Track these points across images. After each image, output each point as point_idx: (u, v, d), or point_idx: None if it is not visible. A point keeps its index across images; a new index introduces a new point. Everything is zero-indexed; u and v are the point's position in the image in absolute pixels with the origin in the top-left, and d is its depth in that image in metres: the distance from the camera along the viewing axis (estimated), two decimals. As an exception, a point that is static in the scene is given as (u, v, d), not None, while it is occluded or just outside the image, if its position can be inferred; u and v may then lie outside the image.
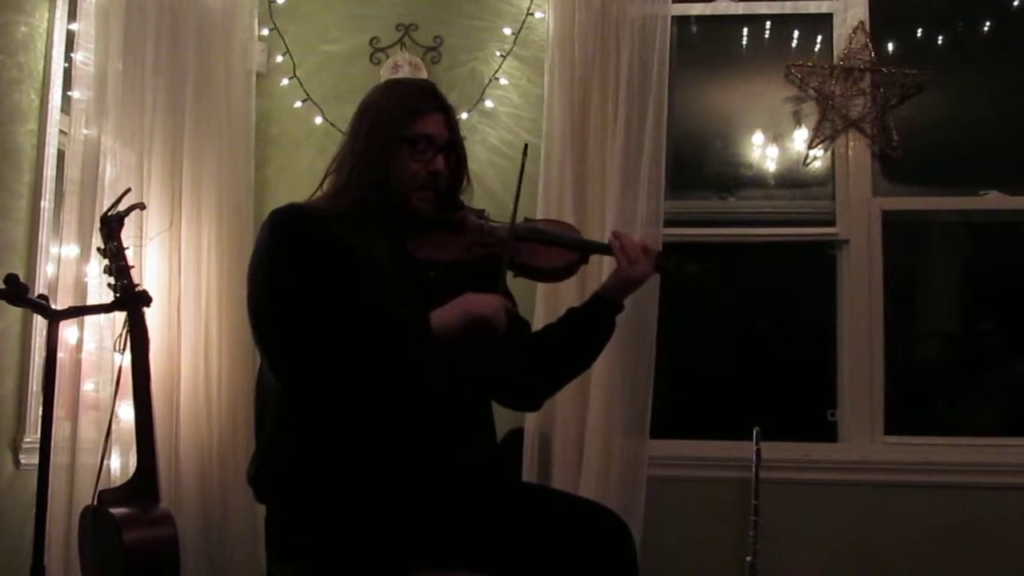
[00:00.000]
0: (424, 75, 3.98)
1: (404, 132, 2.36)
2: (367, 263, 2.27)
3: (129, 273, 3.17)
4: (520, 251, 2.43)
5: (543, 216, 3.55)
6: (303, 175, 3.98)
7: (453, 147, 2.43)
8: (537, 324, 3.17)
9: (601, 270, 3.40)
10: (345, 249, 2.27)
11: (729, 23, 4.24)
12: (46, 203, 3.60)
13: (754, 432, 3.68)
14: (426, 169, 2.37)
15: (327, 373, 2.19)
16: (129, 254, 3.23)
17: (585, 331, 2.59)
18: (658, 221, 3.70)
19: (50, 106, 3.61)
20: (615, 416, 3.60)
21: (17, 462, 3.47)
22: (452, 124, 2.43)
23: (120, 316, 3.24)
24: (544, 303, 3.59)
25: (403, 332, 2.21)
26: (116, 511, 2.98)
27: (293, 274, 2.24)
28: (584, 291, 3.48)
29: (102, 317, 3.47)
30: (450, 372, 2.29)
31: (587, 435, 3.61)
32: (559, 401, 3.55)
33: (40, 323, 3.48)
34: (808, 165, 4.08)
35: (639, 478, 3.62)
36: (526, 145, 2.52)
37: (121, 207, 3.25)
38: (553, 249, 2.50)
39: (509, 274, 2.41)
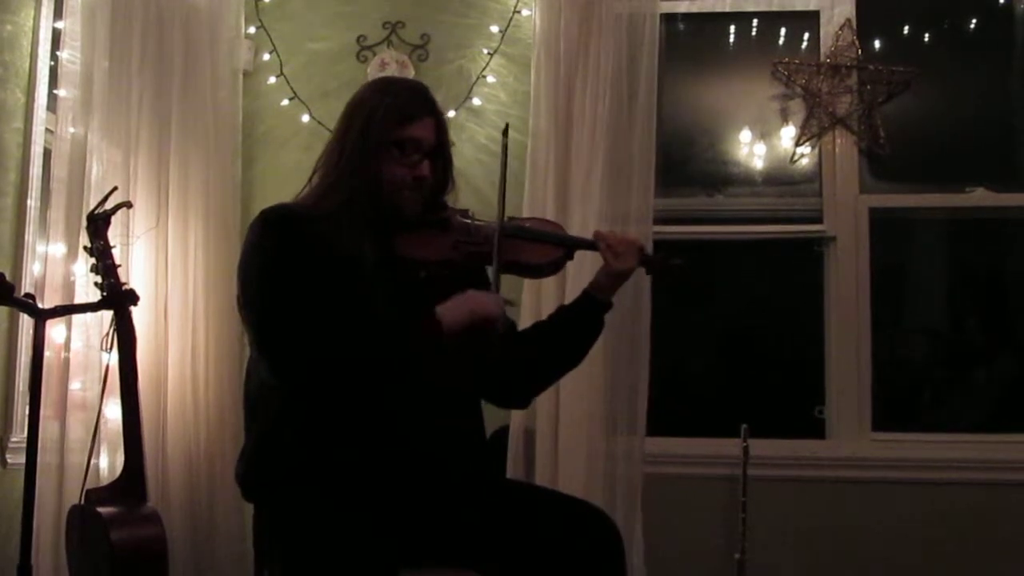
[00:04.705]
0: (411, 73, 3.97)
1: (394, 135, 2.36)
2: (358, 264, 2.27)
3: (116, 272, 3.17)
4: (507, 248, 2.44)
5: (528, 214, 3.56)
6: (290, 173, 3.96)
7: (440, 152, 2.44)
8: (520, 320, 3.18)
9: (586, 266, 3.38)
10: (335, 250, 2.27)
11: (716, 21, 4.25)
12: (32, 202, 3.58)
13: (742, 429, 3.69)
14: (411, 174, 2.37)
15: (337, 375, 2.18)
16: (116, 253, 3.23)
17: (575, 329, 2.60)
18: (648, 218, 3.71)
19: (36, 104, 3.60)
20: (601, 413, 3.61)
21: (4, 461, 3.45)
22: (441, 128, 2.44)
23: (107, 315, 3.23)
24: (527, 300, 3.58)
25: (411, 328, 2.22)
26: (103, 510, 2.98)
27: (292, 277, 2.22)
28: (565, 288, 3.49)
29: (89, 316, 3.46)
30: (450, 366, 2.30)
31: (576, 432, 3.61)
32: (544, 397, 3.54)
33: (27, 322, 3.46)
34: (795, 162, 4.09)
35: (633, 476, 3.63)
36: (506, 125, 2.58)
37: (107, 206, 3.25)
38: (539, 246, 2.52)
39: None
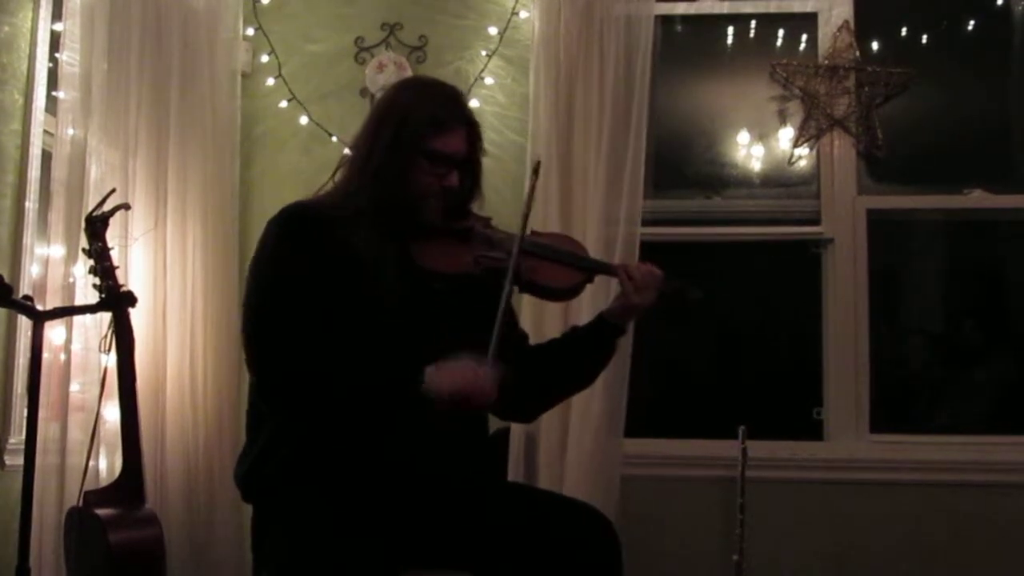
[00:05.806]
0: (409, 75, 3.96)
1: (426, 145, 2.32)
2: (375, 271, 2.25)
3: (114, 274, 3.16)
4: (527, 268, 2.38)
5: (531, 223, 3.52)
6: (288, 175, 3.99)
7: (470, 163, 2.42)
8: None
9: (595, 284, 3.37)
10: (353, 255, 2.25)
11: (714, 22, 4.25)
12: (31, 204, 3.58)
13: (740, 431, 3.69)
14: (439, 183, 2.35)
15: (309, 411, 2.21)
16: (114, 254, 3.22)
17: (587, 351, 2.55)
18: (636, 220, 3.71)
19: (34, 106, 3.59)
20: (592, 415, 3.61)
21: (2, 463, 3.45)
22: (473, 139, 2.41)
23: (106, 317, 3.23)
24: (530, 316, 3.57)
25: (392, 387, 2.19)
26: (101, 512, 2.98)
27: (296, 289, 2.21)
28: (568, 309, 3.48)
29: (88, 318, 3.45)
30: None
31: (569, 434, 3.61)
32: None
33: (25, 324, 3.46)
34: (793, 164, 4.09)
35: (613, 476, 3.63)
36: (538, 163, 2.53)
37: (106, 207, 3.24)
38: (560, 267, 2.44)
39: (514, 289, 2.37)
